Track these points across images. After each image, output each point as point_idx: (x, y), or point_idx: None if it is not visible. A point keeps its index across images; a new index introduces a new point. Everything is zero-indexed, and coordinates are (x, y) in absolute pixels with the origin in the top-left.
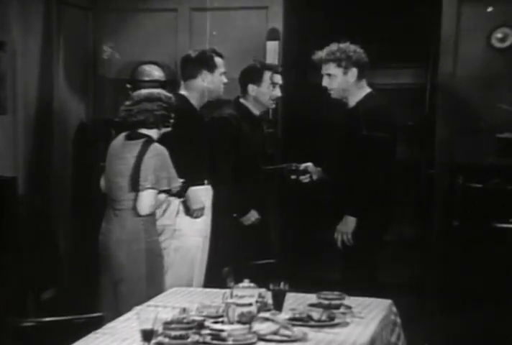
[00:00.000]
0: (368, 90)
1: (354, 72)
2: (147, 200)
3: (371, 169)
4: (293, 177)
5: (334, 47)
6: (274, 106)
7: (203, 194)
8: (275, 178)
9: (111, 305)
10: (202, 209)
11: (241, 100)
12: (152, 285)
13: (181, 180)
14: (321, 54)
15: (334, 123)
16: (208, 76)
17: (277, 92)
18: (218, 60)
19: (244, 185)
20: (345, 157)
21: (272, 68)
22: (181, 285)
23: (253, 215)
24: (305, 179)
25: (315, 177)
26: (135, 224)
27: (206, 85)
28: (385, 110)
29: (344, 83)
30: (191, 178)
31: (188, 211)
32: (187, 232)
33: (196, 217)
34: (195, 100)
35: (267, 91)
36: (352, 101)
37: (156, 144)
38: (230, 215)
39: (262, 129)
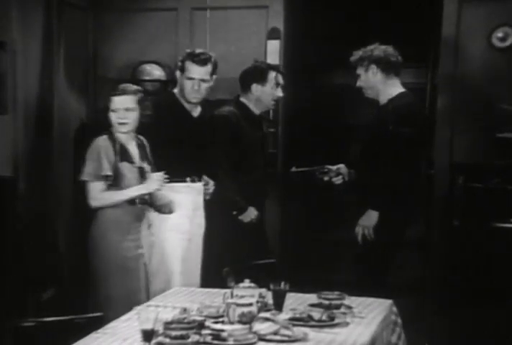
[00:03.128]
0: (401, 89)
1: (373, 69)
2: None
3: (396, 165)
4: (326, 178)
5: (362, 49)
6: (274, 106)
7: (186, 191)
8: (303, 180)
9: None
10: (168, 205)
11: (242, 99)
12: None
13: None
14: (352, 57)
15: (340, 122)
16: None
17: (279, 92)
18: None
19: (243, 182)
20: (369, 153)
21: (276, 68)
22: (159, 282)
23: (252, 213)
24: (337, 180)
25: (347, 178)
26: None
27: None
28: (414, 108)
29: (367, 81)
30: (171, 175)
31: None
32: (160, 227)
33: (165, 213)
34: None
35: (271, 91)
36: (384, 99)
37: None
38: (229, 213)
39: (262, 128)
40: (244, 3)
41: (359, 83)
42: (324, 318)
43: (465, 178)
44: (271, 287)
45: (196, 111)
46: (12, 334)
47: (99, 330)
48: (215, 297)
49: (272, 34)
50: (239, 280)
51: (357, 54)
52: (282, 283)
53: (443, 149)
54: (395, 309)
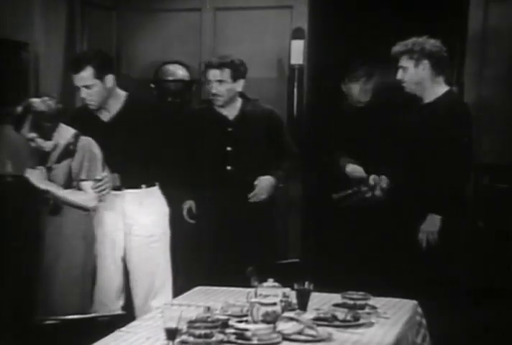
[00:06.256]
0: (447, 88)
1: (425, 64)
2: None
3: (459, 167)
4: (369, 194)
5: (409, 40)
6: (215, 102)
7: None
8: (350, 202)
9: None
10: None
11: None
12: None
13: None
14: (397, 47)
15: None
16: None
17: (212, 88)
18: None
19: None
20: (421, 155)
21: (208, 65)
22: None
23: (189, 204)
24: (378, 193)
25: (384, 185)
26: None
27: None
28: (466, 107)
29: (415, 75)
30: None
31: None
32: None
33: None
34: None
35: (209, 88)
36: (429, 97)
37: None
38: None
39: (225, 125)
40: (268, 3)
41: (402, 76)
42: (349, 318)
43: (491, 178)
44: (295, 286)
45: (106, 116)
46: (36, 332)
47: (122, 329)
48: (238, 296)
49: (297, 34)
50: (262, 280)
51: (405, 45)
52: (306, 283)
53: None
54: (419, 310)
